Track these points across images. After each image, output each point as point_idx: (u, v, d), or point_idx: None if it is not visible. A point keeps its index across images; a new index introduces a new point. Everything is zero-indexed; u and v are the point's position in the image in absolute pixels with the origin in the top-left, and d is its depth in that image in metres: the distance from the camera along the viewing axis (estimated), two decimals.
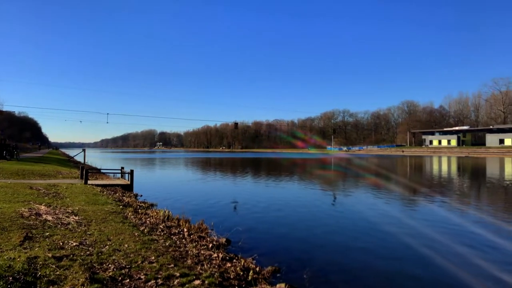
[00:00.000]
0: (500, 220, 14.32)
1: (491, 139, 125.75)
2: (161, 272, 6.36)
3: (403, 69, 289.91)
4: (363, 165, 58.41)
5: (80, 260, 6.52)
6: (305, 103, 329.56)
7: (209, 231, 11.06)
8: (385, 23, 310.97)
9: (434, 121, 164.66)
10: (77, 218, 10.36)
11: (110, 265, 6.46)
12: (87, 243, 7.82)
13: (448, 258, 9.32)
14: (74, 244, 7.58)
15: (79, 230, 8.87)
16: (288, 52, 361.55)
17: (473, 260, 9.15)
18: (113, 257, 6.91)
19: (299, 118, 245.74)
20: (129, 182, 22.49)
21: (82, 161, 50.06)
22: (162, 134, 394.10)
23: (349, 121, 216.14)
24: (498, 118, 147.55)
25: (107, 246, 7.66)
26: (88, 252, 7.10)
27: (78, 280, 5.60)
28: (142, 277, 6.10)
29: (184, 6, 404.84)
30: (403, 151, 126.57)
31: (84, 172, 22.05)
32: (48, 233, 8.25)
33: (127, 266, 6.49)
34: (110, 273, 6.06)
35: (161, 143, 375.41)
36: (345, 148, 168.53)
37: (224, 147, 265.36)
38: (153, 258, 7.15)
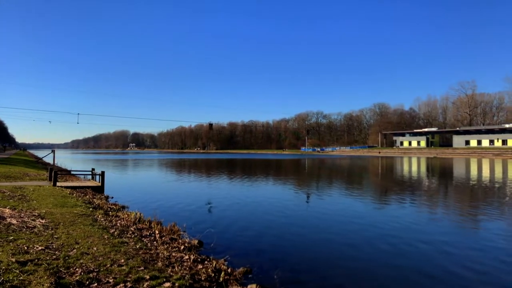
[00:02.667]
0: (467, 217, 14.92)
1: (458, 140, 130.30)
2: (130, 275, 6.26)
3: (375, 71, 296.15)
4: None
5: (46, 265, 6.35)
6: (279, 105, 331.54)
7: (181, 233, 10.97)
8: (358, 25, 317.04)
9: (404, 123, 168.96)
10: (43, 221, 10.06)
11: (77, 269, 6.31)
12: (54, 247, 7.61)
13: (414, 255, 9.62)
14: (40, 248, 7.36)
15: (45, 234, 8.62)
16: (263, 54, 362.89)
17: (438, 258, 9.49)
18: (81, 261, 6.76)
19: (274, 119, 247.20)
20: (100, 184, 22.02)
21: (51, 162, 48.56)
22: (135, 134, 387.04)
23: (322, 122, 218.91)
24: (464, 120, 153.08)
25: (74, 250, 7.47)
26: (54, 256, 6.91)
27: (43, 285, 5.44)
28: (110, 280, 5.99)
29: (158, 6, 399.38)
30: (379, 152, 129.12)
31: (52, 173, 21.43)
32: (12, 237, 7.98)
33: (95, 270, 6.36)
34: (77, 277, 5.93)
35: (134, 144, 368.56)
36: (318, 149, 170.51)
37: (199, 148, 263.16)
38: (122, 261, 7.03)
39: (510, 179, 33.30)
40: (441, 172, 45.13)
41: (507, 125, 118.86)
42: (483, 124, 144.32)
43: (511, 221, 14.51)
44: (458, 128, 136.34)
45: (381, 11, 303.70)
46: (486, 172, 42.62)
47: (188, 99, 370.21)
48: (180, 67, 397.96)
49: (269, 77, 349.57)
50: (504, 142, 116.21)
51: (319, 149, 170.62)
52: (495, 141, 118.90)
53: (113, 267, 6.62)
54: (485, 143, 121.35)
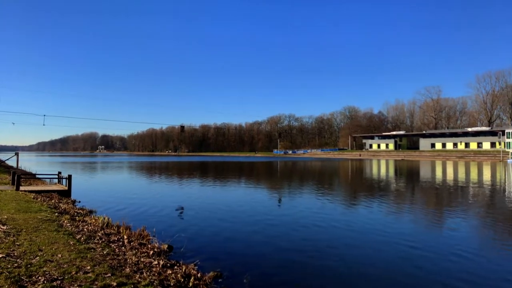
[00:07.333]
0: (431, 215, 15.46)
1: (424, 143, 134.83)
2: (96, 283, 6.10)
3: (345, 75, 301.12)
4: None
5: (6, 273, 6.09)
6: (252, 108, 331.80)
7: (151, 238, 10.79)
8: (328, 30, 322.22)
9: (373, 126, 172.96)
10: (5, 227, 9.65)
11: (40, 277, 6.09)
12: (15, 254, 7.32)
13: (387, 257, 9.87)
14: (0, 256, 7.05)
15: (6, 241, 8.27)
16: (235, 57, 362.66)
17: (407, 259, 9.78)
18: (44, 269, 6.52)
19: (246, 122, 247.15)
20: (66, 188, 21.36)
21: (14, 165, 46.71)
22: (105, 137, 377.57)
23: (294, 125, 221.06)
24: (430, 124, 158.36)
25: (38, 257, 7.21)
26: (16, 264, 6.64)
27: None
28: None
29: (129, 5, 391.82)
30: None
31: (15, 177, 20.61)
32: None
33: (59, 278, 6.15)
34: (40, 286, 5.71)
35: (103, 147, 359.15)
36: (290, 151, 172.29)
37: (170, 151, 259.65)
38: (88, 267, 6.84)
39: (472, 181, 34.75)
40: (409, 174, 46.55)
41: (469, 129, 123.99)
42: (448, 128, 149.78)
43: (470, 219, 15.16)
44: (424, 132, 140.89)
45: (352, 16, 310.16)
46: (450, 174, 44.33)
47: (159, 101, 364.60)
48: (151, 69, 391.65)
49: (242, 80, 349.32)
50: (467, 145, 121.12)
51: (290, 152, 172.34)
52: (459, 144, 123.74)
53: (78, 274, 6.43)
54: (449, 146, 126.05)
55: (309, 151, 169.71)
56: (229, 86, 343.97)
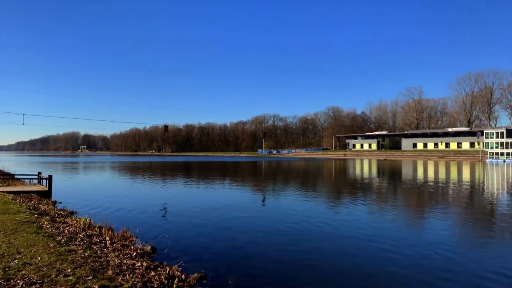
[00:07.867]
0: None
1: (406, 143, 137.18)
2: (77, 286, 5.96)
3: (329, 75, 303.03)
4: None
5: None
6: (237, 107, 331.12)
7: (134, 239, 10.63)
8: (311, 30, 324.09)
9: (357, 126, 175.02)
10: None
11: (18, 281, 5.92)
12: None
13: (365, 258, 9.96)
14: None
15: None
16: (219, 56, 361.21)
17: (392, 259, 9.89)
18: (23, 272, 6.34)
19: (231, 122, 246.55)
20: (47, 189, 20.95)
21: None
22: (87, 136, 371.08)
23: (279, 125, 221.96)
24: (412, 124, 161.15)
25: (16, 260, 7.01)
26: None
27: None
28: None
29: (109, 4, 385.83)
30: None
31: None
32: None
33: (38, 281, 5.99)
34: None
35: (85, 146, 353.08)
36: (274, 151, 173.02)
37: (153, 151, 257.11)
38: (69, 270, 6.68)
39: (452, 181, 35.47)
40: (391, 174, 47.19)
41: (450, 129, 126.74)
42: (429, 128, 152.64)
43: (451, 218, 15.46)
44: (406, 132, 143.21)
45: (339, 16, 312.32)
46: (431, 174, 45.13)
47: (143, 101, 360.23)
48: (135, 69, 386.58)
49: (226, 80, 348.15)
50: (447, 145, 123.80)
51: (275, 151, 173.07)
52: (439, 144, 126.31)
53: (58, 277, 6.27)
54: (431, 145, 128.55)
55: (293, 151, 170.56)
56: (214, 86, 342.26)
